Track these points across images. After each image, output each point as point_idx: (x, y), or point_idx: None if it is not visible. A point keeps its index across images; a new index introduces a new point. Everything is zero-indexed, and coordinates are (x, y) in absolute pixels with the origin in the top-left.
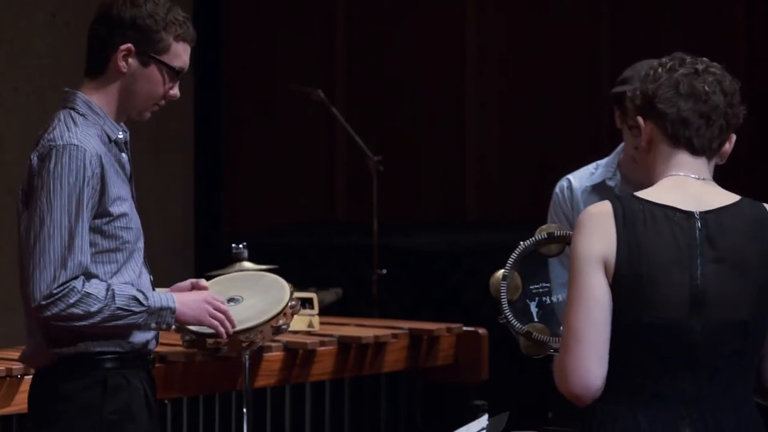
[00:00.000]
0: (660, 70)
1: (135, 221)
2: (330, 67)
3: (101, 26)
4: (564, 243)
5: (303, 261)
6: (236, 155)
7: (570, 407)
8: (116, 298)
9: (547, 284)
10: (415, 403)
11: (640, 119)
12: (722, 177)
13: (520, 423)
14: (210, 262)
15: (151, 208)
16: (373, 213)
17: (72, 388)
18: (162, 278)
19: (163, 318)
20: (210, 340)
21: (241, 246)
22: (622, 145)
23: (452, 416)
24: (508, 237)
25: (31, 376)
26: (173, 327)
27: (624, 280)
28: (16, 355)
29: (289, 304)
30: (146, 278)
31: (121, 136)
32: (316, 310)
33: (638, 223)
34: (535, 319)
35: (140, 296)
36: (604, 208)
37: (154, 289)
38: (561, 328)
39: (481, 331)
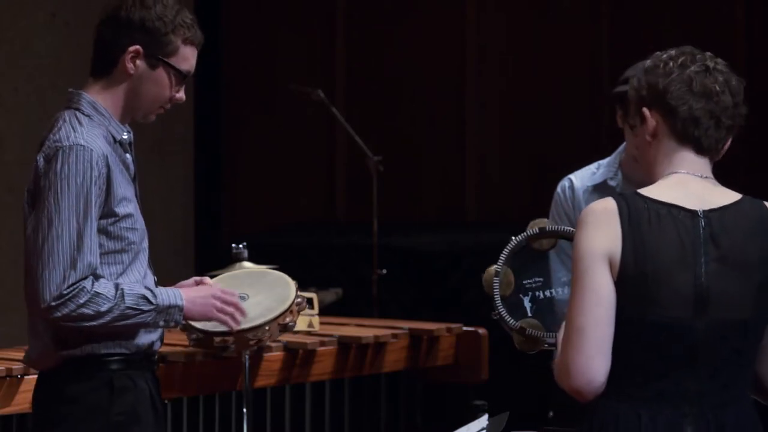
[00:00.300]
0: (671, 64)
1: (140, 222)
2: (330, 67)
3: (109, 27)
4: (555, 238)
5: (303, 261)
6: (236, 155)
7: (570, 407)
8: (126, 298)
9: (541, 278)
10: (415, 403)
11: (645, 110)
12: (722, 177)
13: (520, 423)
14: (210, 262)
15: (152, 209)
16: (373, 213)
17: (78, 389)
18: (162, 278)
19: (171, 316)
20: (217, 339)
21: (241, 246)
22: (623, 145)
23: (452, 416)
24: (508, 237)
25: (31, 377)
26: (180, 325)
27: (629, 278)
28: (16, 355)
29: (296, 301)
30: (151, 279)
31: (125, 137)
32: (316, 310)
33: (643, 221)
34: (529, 314)
35: (149, 295)
36: (608, 205)
37: None
38: (556, 322)
39: (481, 331)
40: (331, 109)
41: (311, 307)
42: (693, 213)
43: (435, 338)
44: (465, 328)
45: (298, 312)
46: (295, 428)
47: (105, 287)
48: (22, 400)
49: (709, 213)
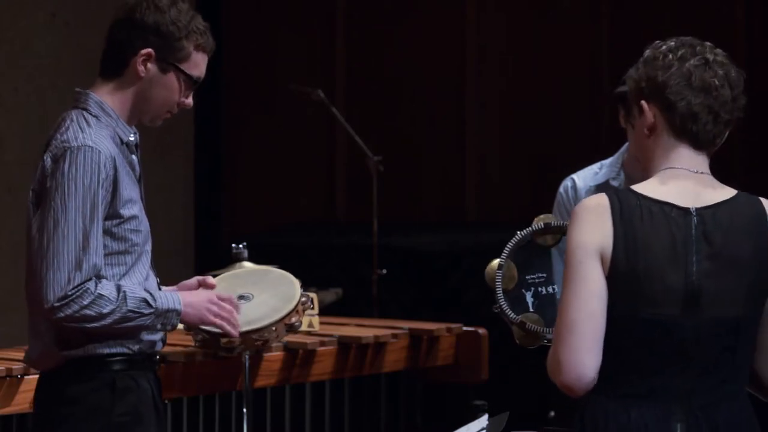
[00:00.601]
0: (671, 56)
1: (144, 224)
2: (330, 67)
3: (122, 28)
4: (560, 233)
5: (303, 261)
6: (236, 155)
7: (570, 406)
8: (128, 300)
9: (544, 274)
10: (415, 403)
11: (644, 103)
12: (721, 177)
13: (520, 423)
14: (210, 262)
15: (152, 208)
16: (373, 213)
17: (80, 390)
18: (162, 278)
19: (168, 320)
20: (224, 339)
21: (241, 246)
22: (626, 145)
23: (452, 416)
24: (508, 237)
25: (31, 377)
26: (181, 327)
27: (620, 274)
28: (16, 355)
29: (301, 300)
30: (153, 281)
31: (132, 139)
32: (316, 310)
33: (635, 217)
34: (531, 309)
35: (149, 298)
36: (600, 201)
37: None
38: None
39: (481, 331)
40: (331, 109)
41: (311, 307)
42: (686, 210)
43: (435, 338)
44: (465, 328)
45: (303, 311)
46: (295, 428)
47: (108, 289)
48: (22, 400)
49: (703, 210)
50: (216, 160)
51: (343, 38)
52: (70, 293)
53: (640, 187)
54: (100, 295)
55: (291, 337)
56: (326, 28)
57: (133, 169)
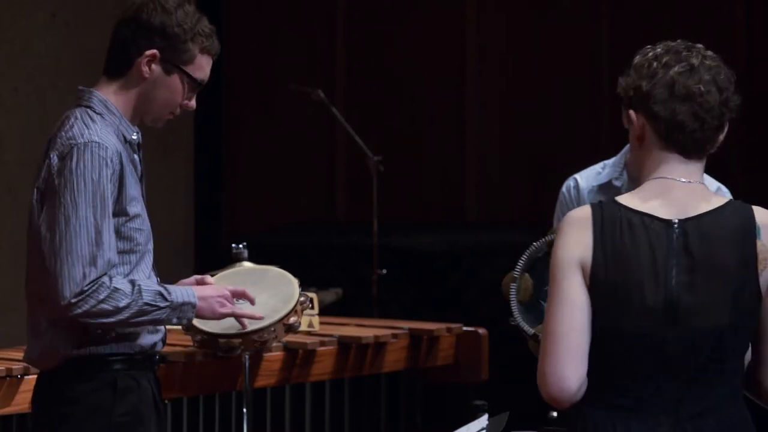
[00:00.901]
0: (655, 64)
1: (146, 223)
2: (330, 67)
3: (128, 28)
4: None
5: (303, 261)
6: (236, 155)
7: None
8: (143, 293)
9: None
10: (415, 403)
11: (631, 112)
12: (720, 178)
13: (520, 423)
14: (210, 262)
15: (152, 208)
16: (373, 213)
17: (81, 390)
18: (162, 278)
19: (184, 313)
20: (222, 340)
21: (241, 246)
22: (629, 145)
23: (452, 416)
24: (508, 237)
25: (31, 377)
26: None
27: (600, 287)
28: (16, 355)
29: (299, 300)
30: (155, 281)
31: (135, 137)
32: (316, 310)
33: (615, 230)
34: None
35: (164, 291)
36: (583, 213)
37: None
38: None
39: (481, 331)
40: (331, 109)
41: (311, 307)
42: (667, 222)
43: (435, 338)
44: (465, 328)
45: (302, 311)
46: (295, 428)
47: (122, 283)
48: (22, 400)
49: (686, 222)
50: (216, 160)
51: (343, 38)
52: (86, 288)
53: (624, 198)
54: (116, 289)
55: (291, 337)
56: (326, 28)
57: (135, 167)
